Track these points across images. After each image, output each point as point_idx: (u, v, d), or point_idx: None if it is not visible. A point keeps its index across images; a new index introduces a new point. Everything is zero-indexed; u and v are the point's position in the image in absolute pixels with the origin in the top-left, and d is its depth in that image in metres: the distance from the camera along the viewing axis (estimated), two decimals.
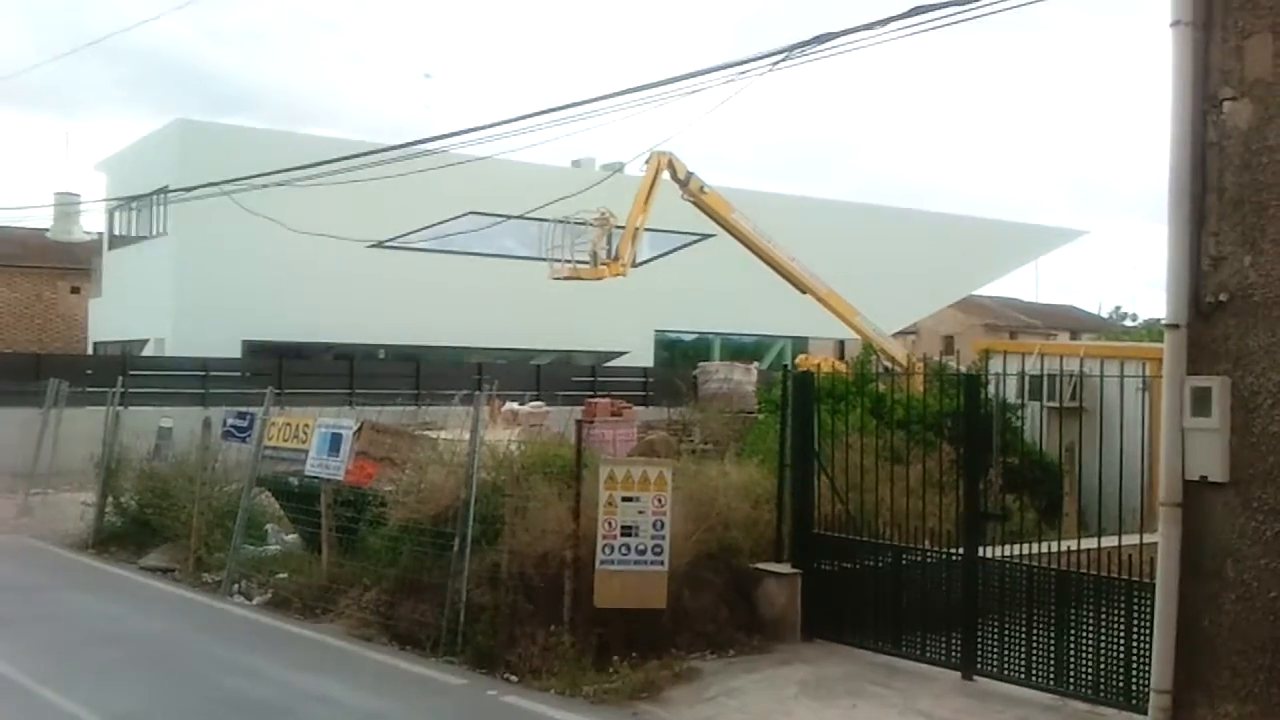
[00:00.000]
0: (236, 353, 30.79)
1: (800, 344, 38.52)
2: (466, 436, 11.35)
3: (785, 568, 10.71)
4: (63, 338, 39.54)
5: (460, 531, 10.65)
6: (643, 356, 36.76)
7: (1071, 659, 8.76)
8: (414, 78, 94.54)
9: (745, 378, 30.62)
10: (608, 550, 9.86)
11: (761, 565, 10.80)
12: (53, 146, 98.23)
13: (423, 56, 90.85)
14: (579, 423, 11.20)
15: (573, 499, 10.15)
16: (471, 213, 32.17)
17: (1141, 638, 8.25)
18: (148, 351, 32.02)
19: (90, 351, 36.27)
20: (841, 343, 37.69)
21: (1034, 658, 9.00)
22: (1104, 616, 8.61)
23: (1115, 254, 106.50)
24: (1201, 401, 7.78)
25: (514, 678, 9.65)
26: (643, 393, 31.75)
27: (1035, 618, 9.05)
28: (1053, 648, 8.90)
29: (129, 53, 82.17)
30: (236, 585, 13.39)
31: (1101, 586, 8.67)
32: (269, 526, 14.85)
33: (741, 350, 38.99)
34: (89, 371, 25.50)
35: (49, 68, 78.00)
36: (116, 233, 36.81)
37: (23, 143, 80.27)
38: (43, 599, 13.18)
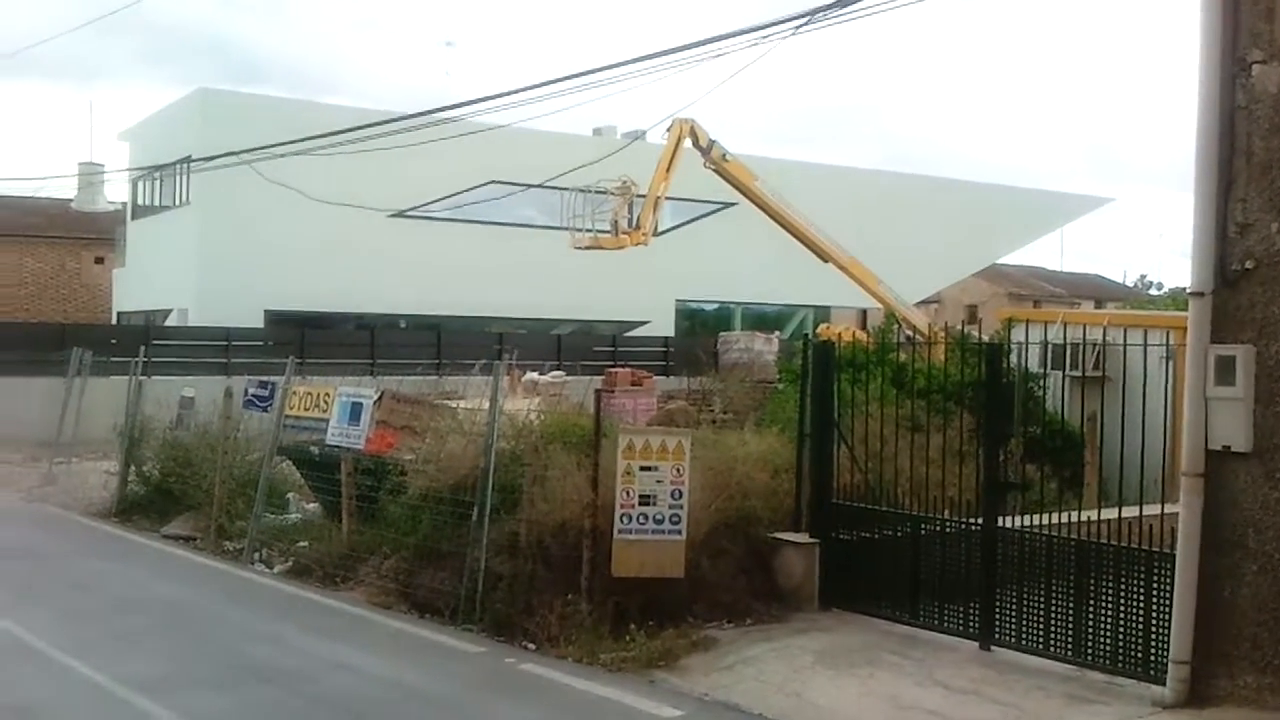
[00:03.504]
0: (259, 322, 30.86)
1: (822, 313, 38.34)
2: (486, 406, 11.35)
3: (803, 537, 10.68)
4: (87, 308, 39.75)
5: (479, 500, 10.67)
6: (664, 326, 36.66)
7: (1090, 630, 8.70)
8: (435, 46, 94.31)
9: (766, 347, 30.51)
10: (626, 519, 9.85)
11: (780, 535, 10.77)
12: (76, 117, 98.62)
13: (444, 24, 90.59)
14: (598, 392, 11.21)
15: (591, 468, 10.14)
16: (492, 181, 32.09)
17: (1161, 609, 8.18)
18: (171, 321, 32.17)
19: (114, 321, 36.45)
20: (864, 312, 37.52)
21: (1052, 628, 8.94)
22: (1123, 587, 8.55)
23: (1141, 222, 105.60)
24: (1225, 371, 7.71)
25: (532, 646, 9.68)
26: (663, 362, 31.72)
27: (1054, 588, 8.99)
28: (1071, 618, 8.83)
29: (151, 23, 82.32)
30: (257, 553, 13.48)
31: (1121, 557, 8.60)
32: (290, 495, 14.93)
33: (763, 320, 38.86)
34: (113, 341, 25.65)
35: (71, 38, 78.02)
36: (140, 203, 36.91)
37: (46, 113, 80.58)
38: (66, 567, 13.31)
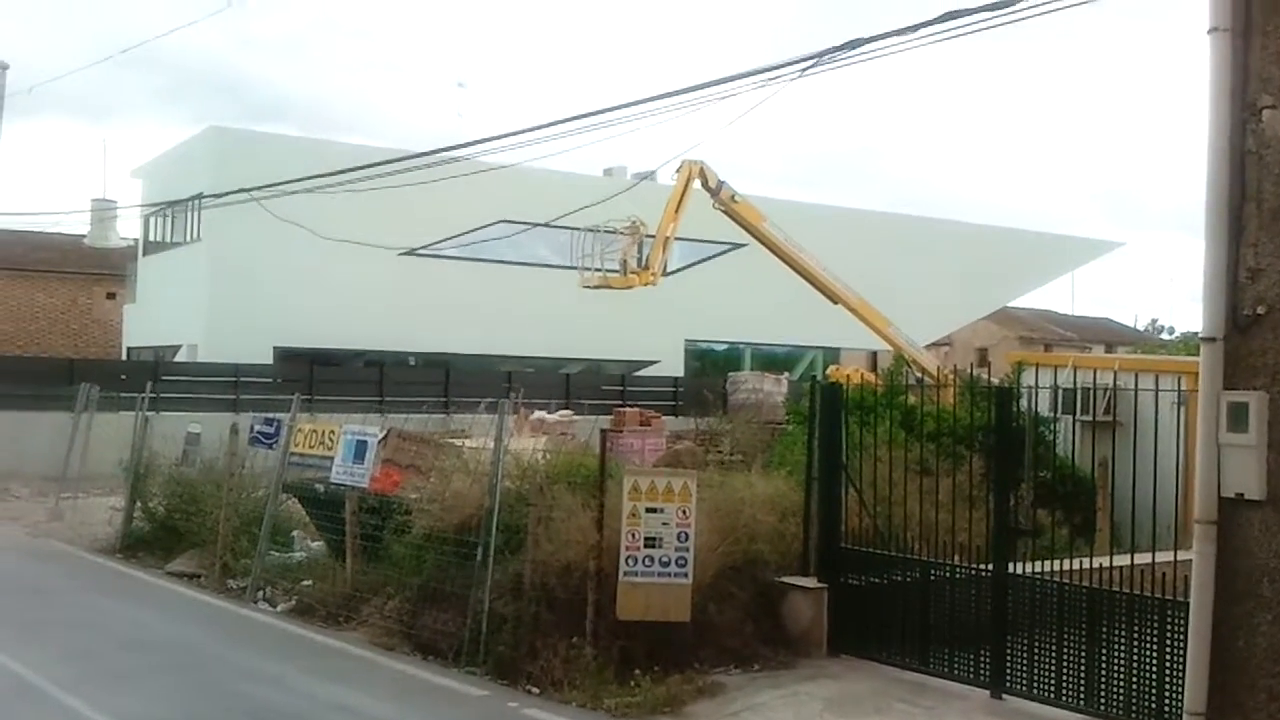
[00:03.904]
0: (268, 359, 30.89)
1: (832, 355, 38.27)
2: (492, 445, 11.28)
3: (811, 581, 10.57)
4: (98, 343, 39.81)
5: (483, 541, 10.58)
6: (673, 366, 36.60)
7: (1103, 678, 8.58)
8: (447, 87, 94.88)
9: (775, 388, 30.46)
10: (631, 562, 9.75)
11: (787, 579, 10.66)
12: (90, 154, 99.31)
13: (456, 65, 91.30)
14: (604, 432, 11.12)
15: (596, 509, 10.06)
16: (502, 221, 32.16)
17: (1175, 658, 8.06)
18: (181, 357, 32.18)
19: (124, 357, 36.50)
20: (874, 354, 37.43)
21: (1064, 676, 8.82)
22: (1136, 635, 8.43)
23: (1152, 267, 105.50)
24: (1238, 417, 7.60)
25: (535, 689, 9.56)
26: (672, 402, 31.64)
27: (1066, 635, 8.88)
28: (1083, 667, 8.72)
29: (165, 61, 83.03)
30: (261, 592, 13.38)
31: (1134, 604, 8.49)
32: (295, 533, 14.84)
33: (773, 361, 38.77)
34: (122, 377, 25.64)
35: (86, 75, 78.82)
36: (151, 239, 37.06)
37: (62, 151, 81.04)
38: (69, 604, 13.22)
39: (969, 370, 13.36)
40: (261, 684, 9.90)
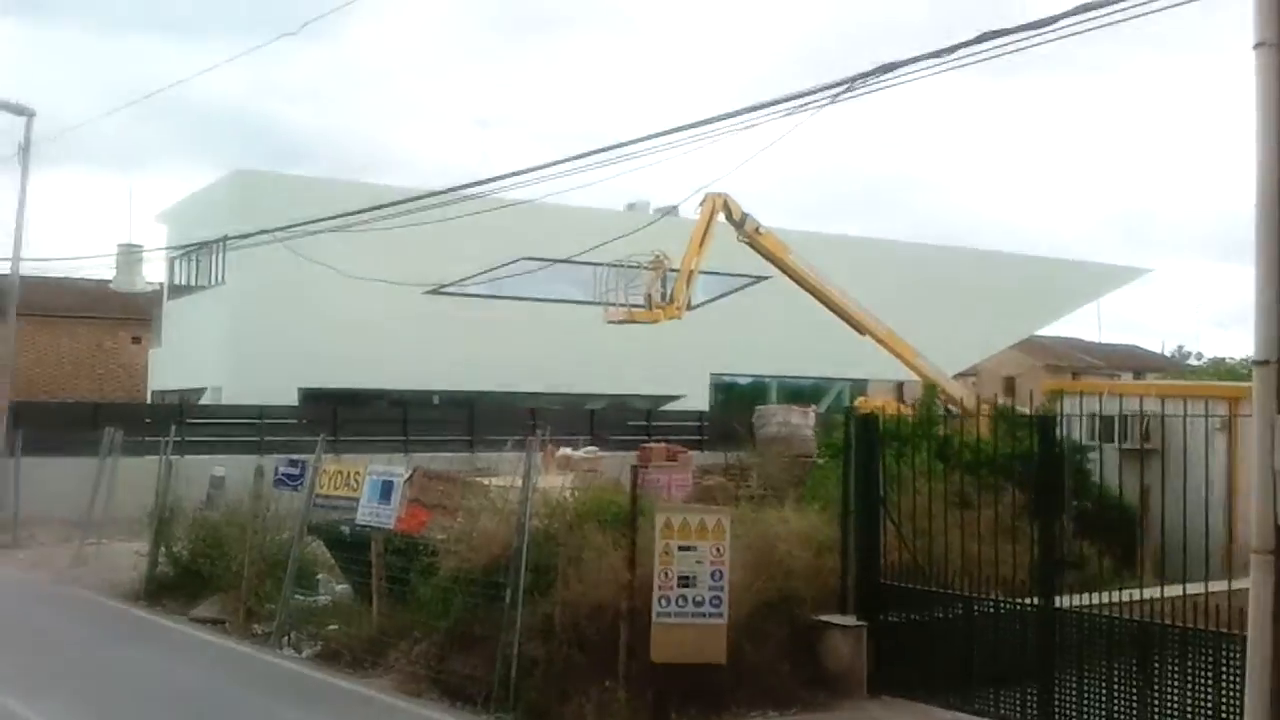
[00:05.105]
0: (293, 400, 30.78)
1: (859, 386, 37.95)
2: (519, 483, 11.05)
3: (850, 619, 10.27)
4: (123, 387, 39.89)
5: (512, 582, 10.33)
6: (698, 400, 36.36)
7: (1156, 715, 8.25)
8: (470, 126, 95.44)
9: (803, 421, 30.04)
10: (664, 601, 9.48)
11: (825, 617, 10.37)
12: (117, 201, 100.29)
13: (478, 104, 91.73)
14: (634, 468, 10.89)
15: (628, 548, 9.80)
16: (526, 258, 32.08)
17: (1231, 693, 7.75)
18: (205, 400, 32.13)
19: (149, 401, 36.50)
20: (900, 384, 37.09)
21: (1115, 714, 8.50)
22: (1190, 670, 8.12)
23: (1177, 292, 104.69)
24: None
25: None
26: (698, 437, 31.34)
27: (1116, 671, 8.56)
28: (1135, 703, 8.40)
29: (191, 109, 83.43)
30: (286, 637, 13.15)
31: (1187, 638, 8.18)
32: (320, 576, 14.61)
33: (799, 393, 38.41)
34: (147, 420, 25.55)
35: (111, 123, 79.44)
36: (176, 283, 37.16)
37: (88, 199, 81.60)
38: (92, 654, 13.02)
39: (997, 399, 13.08)
40: None
